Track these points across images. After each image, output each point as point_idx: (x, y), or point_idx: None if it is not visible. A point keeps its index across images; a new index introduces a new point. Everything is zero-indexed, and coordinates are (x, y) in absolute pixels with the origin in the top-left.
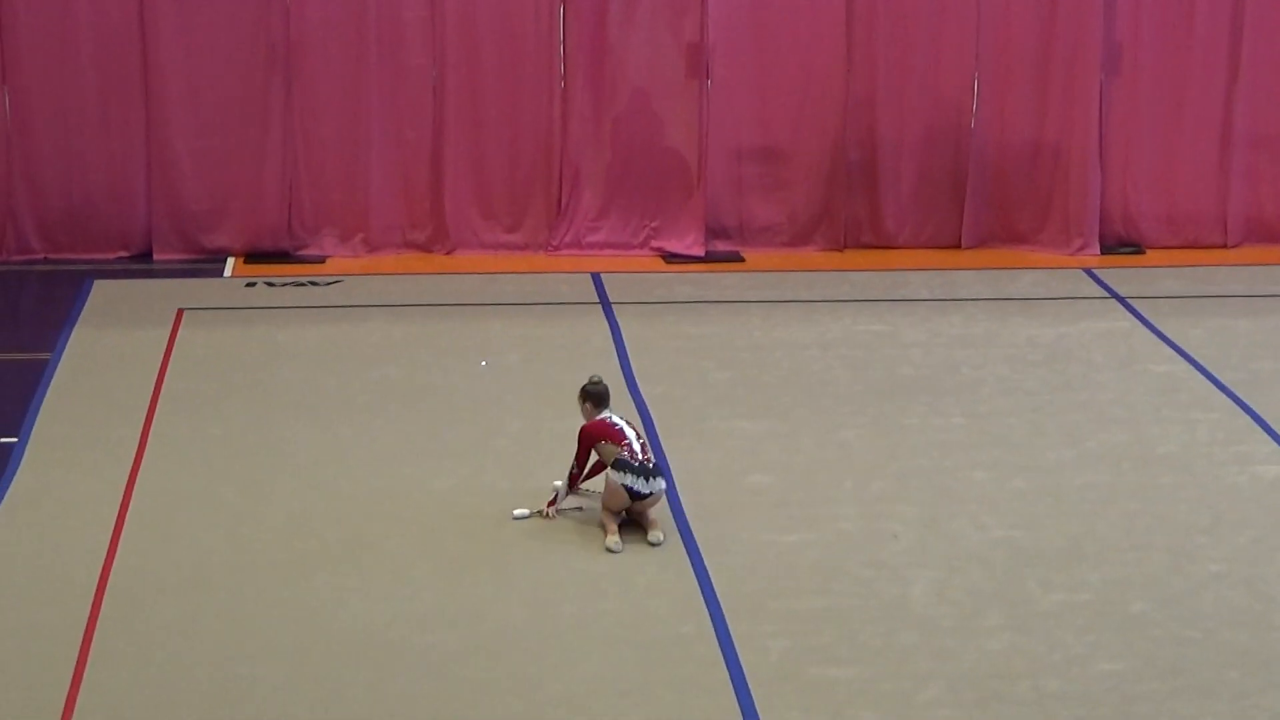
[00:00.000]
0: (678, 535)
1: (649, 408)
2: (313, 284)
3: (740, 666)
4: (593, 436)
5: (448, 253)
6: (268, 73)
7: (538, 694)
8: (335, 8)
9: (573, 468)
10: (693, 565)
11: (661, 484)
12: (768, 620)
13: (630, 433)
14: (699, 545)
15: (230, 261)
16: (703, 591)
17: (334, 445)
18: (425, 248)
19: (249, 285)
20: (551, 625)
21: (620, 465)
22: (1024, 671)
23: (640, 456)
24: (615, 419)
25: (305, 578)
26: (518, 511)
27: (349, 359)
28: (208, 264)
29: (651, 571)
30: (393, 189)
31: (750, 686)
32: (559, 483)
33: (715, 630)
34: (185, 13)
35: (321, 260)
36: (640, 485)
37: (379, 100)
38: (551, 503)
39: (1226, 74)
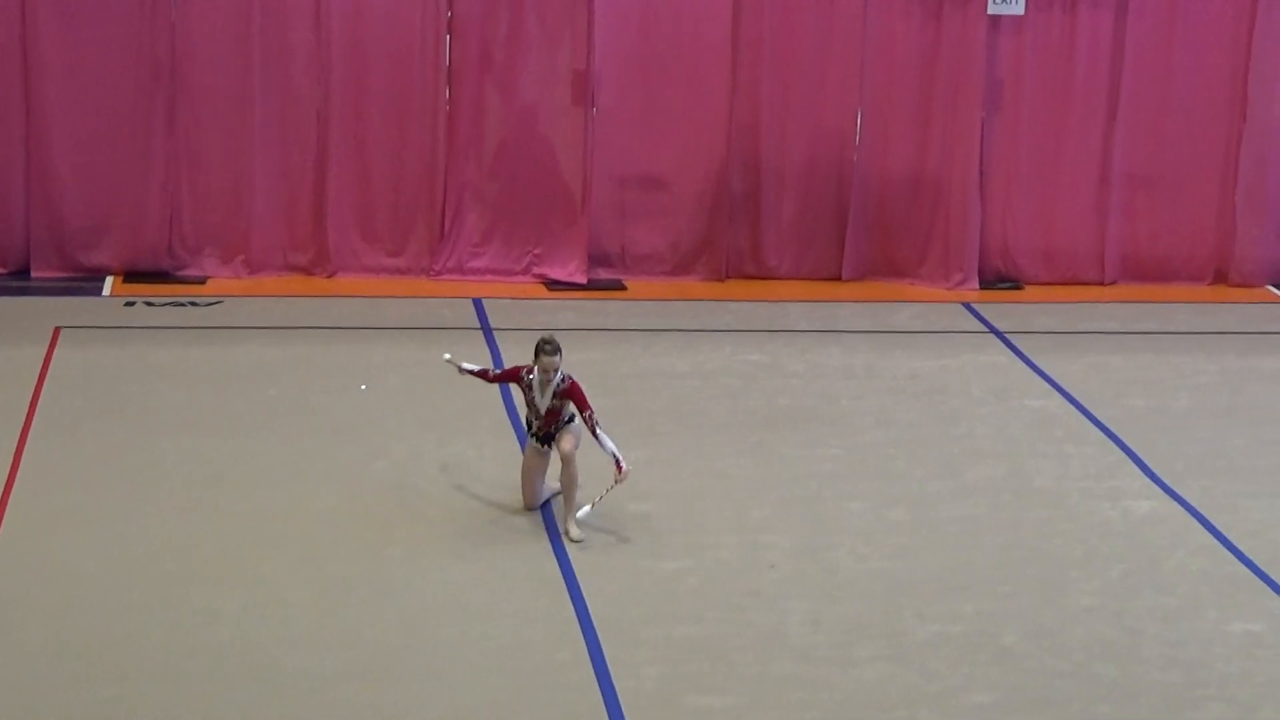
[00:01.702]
0: (555, 561)
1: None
2: (193, 304)
3: (615, 694)
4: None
5: (329, 276)
6: (151, 91)
7: (413, 718)
8: (221, 28)
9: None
10: (569, 591)
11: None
12: (643, 648)
13: (539, 399)
14: (576, 572)
15: (109, 280)
16: (579, 618)
17: (212, 466)
18: (307, 270)
19: (128, 304)
20: (428, 649)
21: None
22: (898, 702)
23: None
24: (535, 379)
25: (181, 598)
26: (461, 363)
27: (228, 380)
28: (86, 282)
29: (528, 597)
30: (275, 211)
31: (625, 714)
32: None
33: (591, 657)
34: (69, 28)
35: (202, 281)
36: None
37: (263, 121)
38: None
39: (1105, 113)
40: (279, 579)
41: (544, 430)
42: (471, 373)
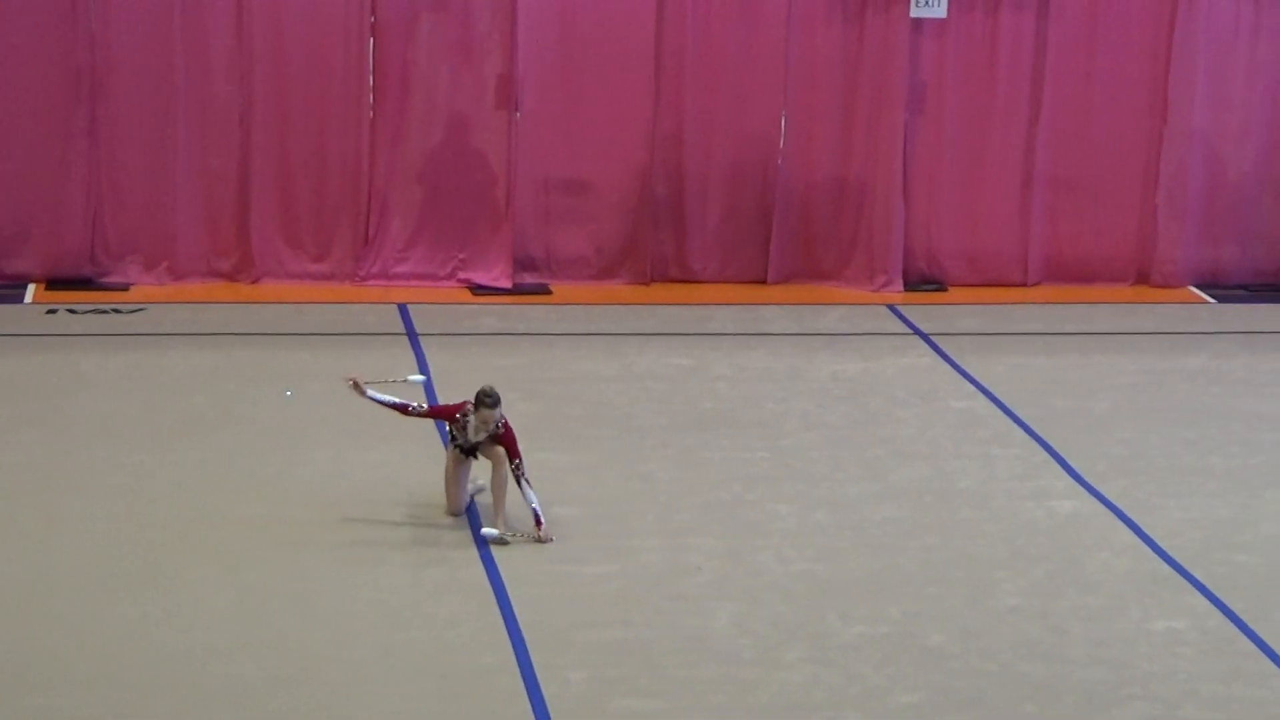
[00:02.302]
0: (481, 566)
1: None
2: (116, 312)
3: (542, 698)
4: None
5: (253, 282)
6: (73, 99)
7: None
8: (142, 33)
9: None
10: (496, 596)
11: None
12: (570, 652)
13: (471, 436)
14: (502, 576)
15: (31, 288)
16: (505, 623)
17: (136, 473)
18: (230, 276)
19: (50, 312)
20: (354, 656)
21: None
22: (824, 703)
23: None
24: (471, 419)
25: (105, 606)
26: (366, 389)
27: (152, 388)
28: (7, 290)
29: (454, 602)
30: (198, 217)
31: (552, 718)
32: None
33: (517, 662)
34: None
35: (125, 288)
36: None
37: (186, 127)
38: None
39: (1028, 116)
40: (203, 586)
41: (471, 444)
42: (382, 403)
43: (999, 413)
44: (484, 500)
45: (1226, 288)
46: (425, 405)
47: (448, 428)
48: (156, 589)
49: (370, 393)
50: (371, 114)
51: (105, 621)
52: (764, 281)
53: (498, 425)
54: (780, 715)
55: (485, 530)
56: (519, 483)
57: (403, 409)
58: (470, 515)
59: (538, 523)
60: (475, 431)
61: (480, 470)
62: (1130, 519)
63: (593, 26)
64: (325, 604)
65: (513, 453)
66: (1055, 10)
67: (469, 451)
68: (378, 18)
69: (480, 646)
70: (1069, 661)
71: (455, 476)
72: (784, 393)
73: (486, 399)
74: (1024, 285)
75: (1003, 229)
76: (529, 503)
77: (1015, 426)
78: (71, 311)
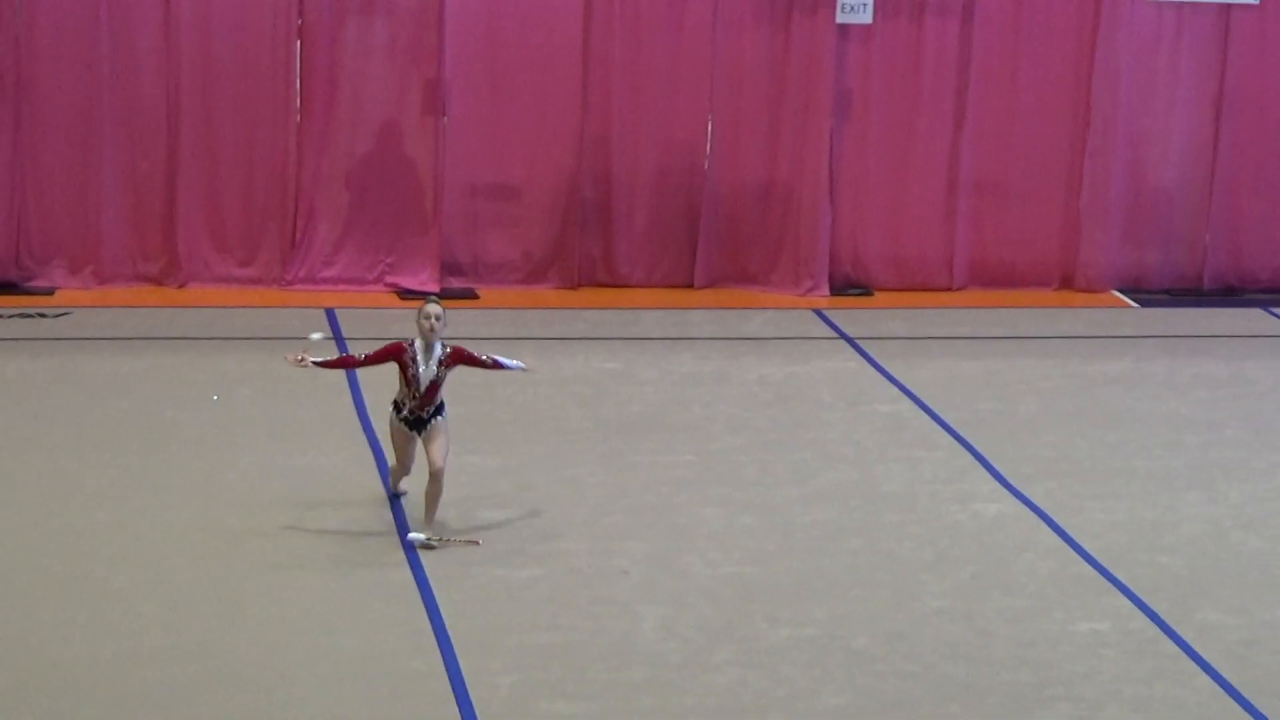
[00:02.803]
0: (409, 571)
1: (381, 444)
2: (41, 316)
3: (470, 702)
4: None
5: (180, 286)
6: None
7: None
8: (67, 36)
9: (364, 354)
10: (424, 600)
11: (428, 429)
12: (498, 656)
13: (422, 369)
14: (430, 581)
15: None
16: (433, 627)
17: (61, 479)
18: (157, 280)
19: None
20: (282, 661)
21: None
22: (750, 706)
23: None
24: (418, 350)
25: (29, 612)
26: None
27: (78, 392)
28: None
29: (382, 607)
30: (124, 220)
31: None
32: (317, 335)
33: (445, 666)
34: None
35: (50, 292)
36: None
37: (111, 130)
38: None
39: (953, 121)
40: (129, 592)
41: (416, 413)
42: (330, 363)
43: (925, 416)
44: (412, 504)
45: (1149, 292)
46: (369, 352)
47: (395, 399)
48: (82, 595)
49: (314, 360)
50: (299, 118)
51: (30, 629)
52: (691, 286)
53: (445, 347)
54: (708, 718)
55: (412, 535)
56: (499, 365)
57: (352, 362)
58: (397, 519)
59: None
60: (425, 358)
61: (412, 483)
62: (1054, 521)
63: (520, 31)
64: (253, 609)
65: (474, 360)
66: (980, 16)
67: (415, 426)
68: (305, 21)
69: (408, 651)
70: (993, 663)
71: (404, 441)
72: (711, 396)
73: (429, 298)
74: (949, 290)
75: (928, 234)
76: (511, 367)
77: (941, 430)
78: None
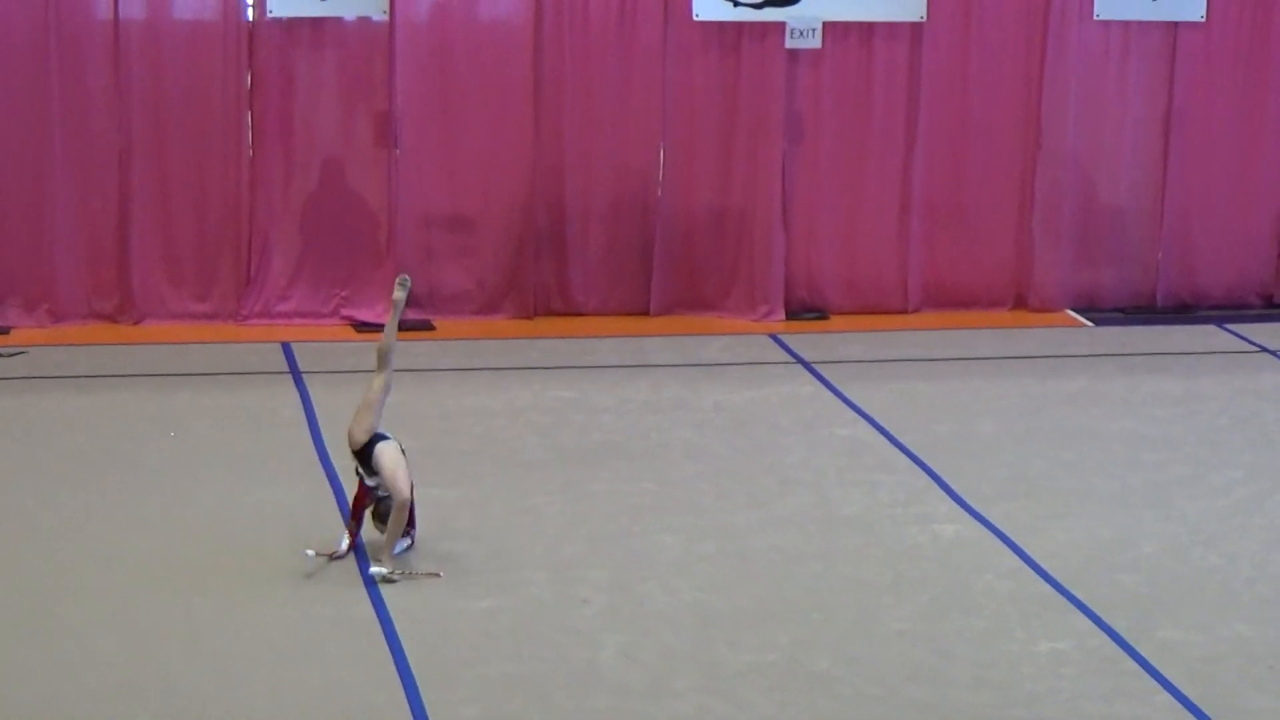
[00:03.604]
0: (370, 604)
1: (340, 478)
2: None
3: None
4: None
5: (135, 323)
6: None
7: None
8: (16, 73)
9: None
10: (385, 633)
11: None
12: (460, 687)
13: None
14: (390, 613)
15: None
16: (395, 660)
17: (17, 517)
18: (112, 318)
19: None
20: (243, 696)
21: None
22: None
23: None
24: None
25: None
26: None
27: (33, 431)
28: None
29: (343, 640)
30: (78, 258)
31: None
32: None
33: (408, 699)
34: None
35: (5, 331)
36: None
37: (63, 168)
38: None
39: (904, 143)
40: (87, 630)
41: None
42: (356, 526)
43: (882, 439)
44: (371, 538)
45: (1103, 310)
46: (353, 522)
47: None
48: (39, 634)
49: (343, 548)
50: (251, 152)
51: None
52: (647, 313)
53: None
54: None
55: (373, 569)
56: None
57: (358, 520)
58: (358, 554)
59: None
60: (368, 470)
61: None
62: (1013, 542)
63: (470, 62)
64: (213, 644)
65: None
66: (928, 38)
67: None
68: (255, 56)
69: (370, 684)
70: (954, 684)
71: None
72: (669, 423)
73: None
74: (905, 312)
75: (882, 256)
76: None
77: (898, 452)
78: None
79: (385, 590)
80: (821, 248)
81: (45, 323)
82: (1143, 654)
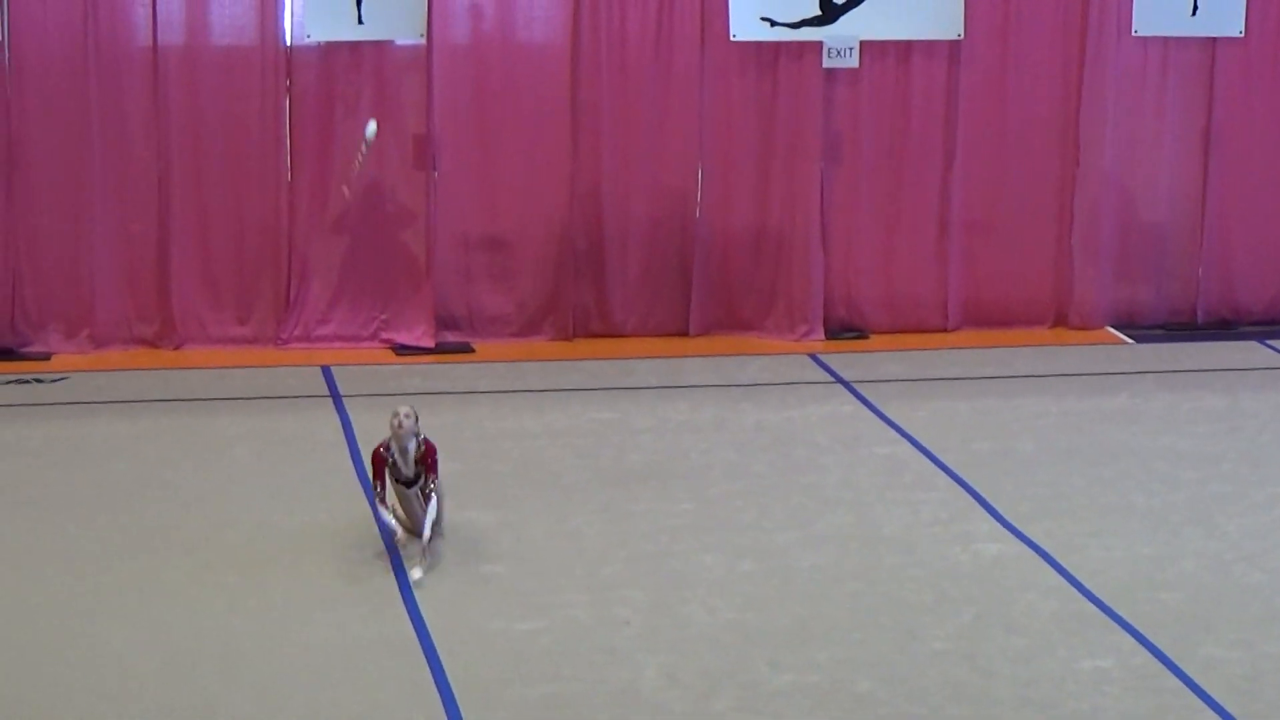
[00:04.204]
0: (410, 624)
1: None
2: (37, 381)
3: None
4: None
5: (175, 347)
6: None
7: None
8: (58, 102)
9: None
10: (425, 654)
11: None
12: (500, 709)
13: (404, 470)
14: (431, 635)
15: None
16: (435, 681)
17: (58, 542)
18: (152, 343)
19: None
20: (282, 718)
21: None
22: None
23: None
24: (395, 453)
25: (24, 675)
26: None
27: (75, 456)
28: None
29: (382, 662)
30: (119, 283)
31: None
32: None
33: (447, 719)
34: None
35: (46, 357)
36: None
37: (103, 194)
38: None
39: (942, 162)
40: (128, 653)
41: (408, 480)
42: (383, 519)
43: (922, 458)
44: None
45: (1144, 328)
46: (376, 486)
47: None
48: (80, 658)
49: (385, 519)
50: (289, 176)
51: (28, 692)
52: (686, 333)
53: (420, 445)
54: None
55: (413, 575)
56: (427, 498)
57: (382, 500)
58: (399, 575)
59: (421, 533)
60: (404, 459)
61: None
62: (1055, 560)
63: (508, 84)
64: (253, 666)
65: (430, 469)
66: (966, 56)
67: (410, 484)
68: (293, 80)
69: (410, 705)
70: (997, 703)
71: (409, 507)
72: (708, 444)
73: (395, 415)
74: (944, 330)
75: (921, 275)
76: (428, 514)
77: (939, 471)
78: None
79: (425, 611)
80: (860, 267)
81: (86, 348)
82: (1186, 672)
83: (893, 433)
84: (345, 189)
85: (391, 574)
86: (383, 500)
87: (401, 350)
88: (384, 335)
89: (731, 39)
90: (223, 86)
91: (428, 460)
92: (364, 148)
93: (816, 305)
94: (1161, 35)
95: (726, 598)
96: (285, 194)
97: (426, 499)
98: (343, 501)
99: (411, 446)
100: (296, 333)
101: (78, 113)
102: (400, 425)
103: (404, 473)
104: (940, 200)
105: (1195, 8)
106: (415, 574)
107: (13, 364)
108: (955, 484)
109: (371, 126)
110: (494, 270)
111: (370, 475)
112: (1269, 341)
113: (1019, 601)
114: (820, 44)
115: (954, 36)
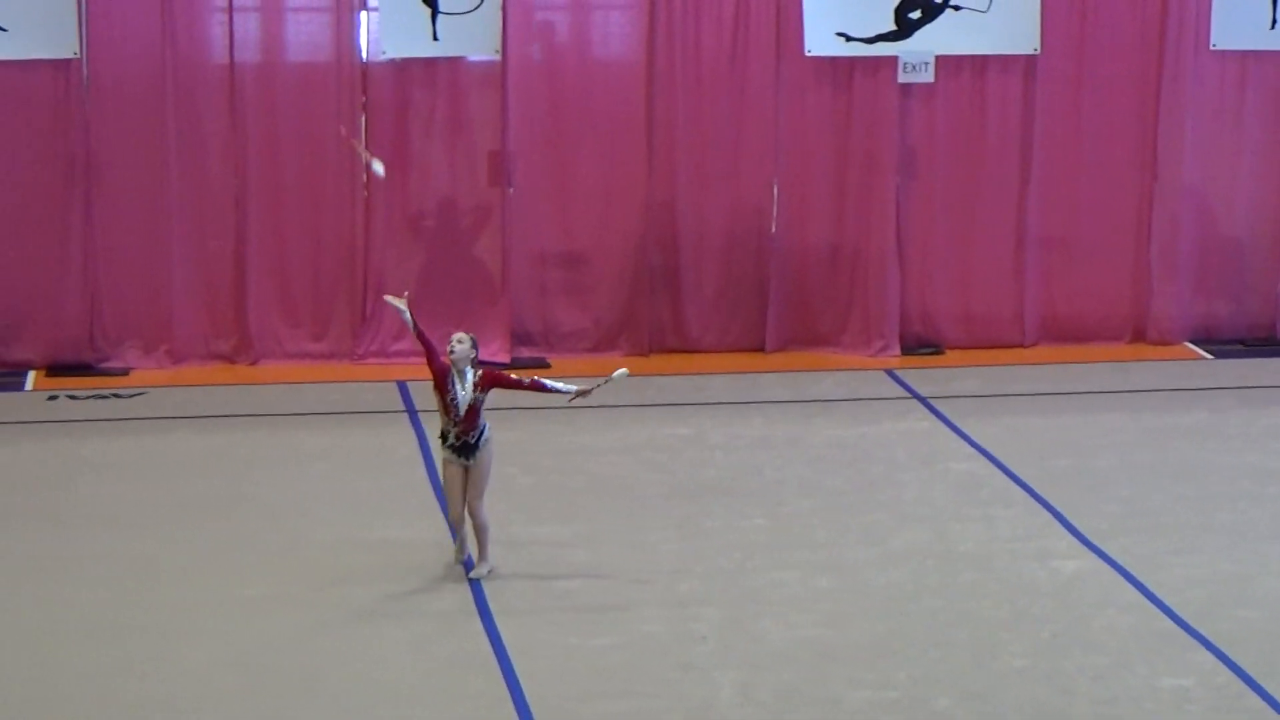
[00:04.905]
0: (487, 640)
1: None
2: (116, 396)
3: None
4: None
5: (252, 363)
6: (67, 185)
7: None
8: (135, 120)
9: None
10: (501, 670)
11: (476, 458)
12: None
13: (460, 396)
14: (508, 649)
15: (31, 375)
16: (512, 696)
17: (137, 557)
18: (230, 358)
19: (51, 399)
20: None
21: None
22: None
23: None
24: (454, 374)
25: (108, 691)
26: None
27: (153, 472)
28: (8, 377)
29: (460, 677)
30: (196, 300)
31: None
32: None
33: None
34: None
35: (125, 372)
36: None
37: (181, 211)
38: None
39: (1018, 177)
40: (208, 669)
41: (462, 438)
42: (413, 319)
43: (999, 474)
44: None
45: (1222, 342)
46: (431, 343)
47: (440, 430)
48: (161, 673)
49: (404, 306)
50: (366, 193)
51: (109, 706)
52: (762, 349)
53: (477, 374)
54: None
55: (473, 573)
56: (544, 388)
57: (417, 332)
58: (475, 589)
59: (580, 393)
60: (461, 382)
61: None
62: (1134, 577)
63: (583, 100)
64: (331, 682)
65: (509, 381)
66: (1042, 70)
67: (463, 453)
68: (369, 96)
69: None
70: None
71: (454, 482)
72: (783, 460)
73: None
74: (1021, 346)
75: (998, 290)
76: (565, 392)
77: (1016, 487)
78: (72, 398)
79: (502, 628)
80: (936, 282)
81: (164, 364)
82: (1269, 690)
83: (969, 449)
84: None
85: (468, 589)
86: (420, 336)
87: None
88: None
89: (806, 54)
90: (298, 104)
91: (498, 380)
92: (364, 156)
93: (892, 321)
94: (1240, 49)
95: (803, 614)
96: (361, 210)
97: (544, 388)
98: (419, 516)
99: (469, 374)
100: (372, 348)
101: (155, 131)
102: (453, 351)
103: (458, 398)
104: (1016, 215)
105: (1275, 21)
106: (479, 572)
107: (92, 379)
108: (1032, 500)
109: (378, 166)
110: (569, 285)
111: (430, 349)
112: None
113: (1098, 619)
114: (895, 59)
115: (1030, 51)
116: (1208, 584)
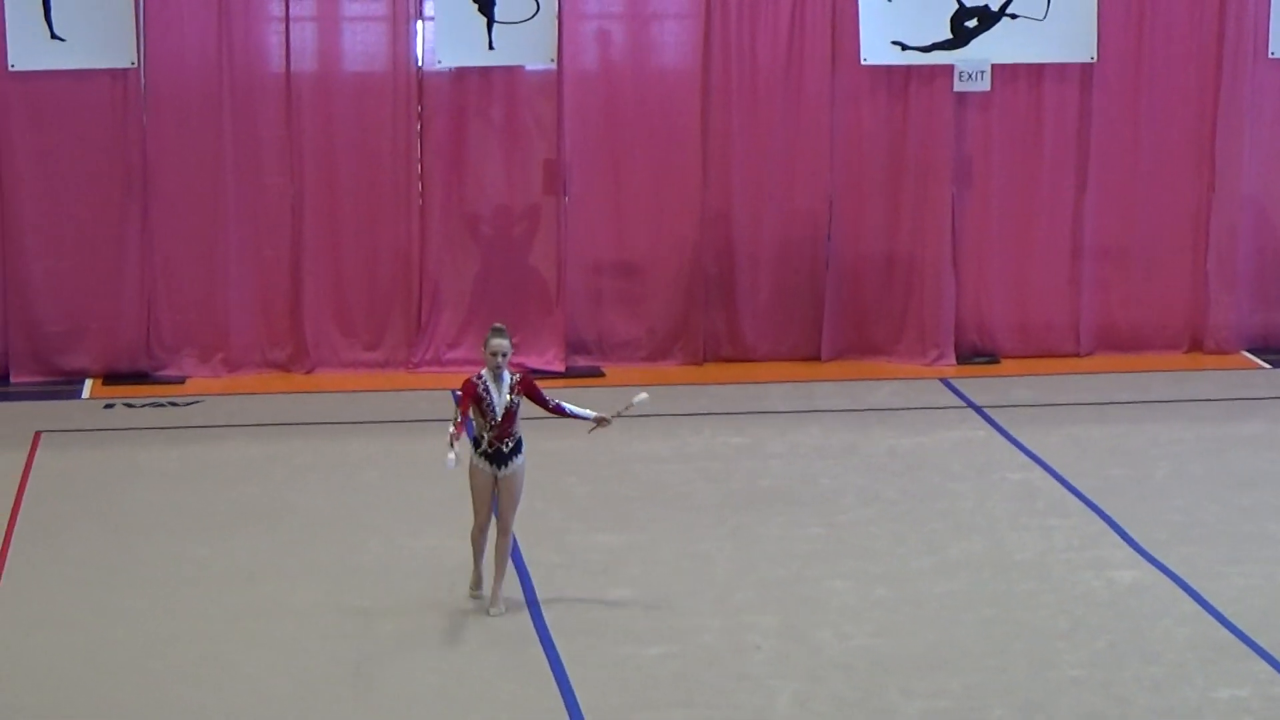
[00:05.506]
0: (540, 648)
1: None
2: (172, 404)
3: None
4: (463, 394)
5: (307, 372)
6: (124, 194)
7: None
8: (192, 129)
9: (458, 415)
10: (555, 678)
11: (509, 469)
12: None
13: (496, 398)
14: (562, 658)
15: (88, 383)
16: (566, 705)
17: (193, 565)
18: (285, 367)
19: (108, 407)
20: None
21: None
22: None
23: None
24: (487, 380)
25: (164, 700)
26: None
27: (208, 479)
28: (65, 386)
29: (514, 686)
30: (252, 308)
31: None
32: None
33: None
34: (41, 135)
35: (181, 381)
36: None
37: (237, 219)
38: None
39: (1075, 186)
40: (261, 676)
41: (495, 445)
42: (459, 428)
43: (1055, 483)
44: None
45: None
46: (460, 409)
47: (475, 434)
48: (215, 679)
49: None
50: (421, 201)
51: (163, 714)
52: (817, 358)
53: (514, 375)
54: None
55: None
56: (563, 412)
57: (459, 427)
58: (527, 595)
59: (602, 420)
60: (496, 386)
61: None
62: (1191, 587)
63: (638, 109)
64: (384, 690)
65: (539, 396)
66: (1098, 79)
67: (496, 461)
68: (425, 106)
69: None
70: None
71: (483, 490)
72: (839, 469)
73: (493, 330)
74: (1077, 355)
75: (1054, 299)
76: (582, 415)
77: (1072, 497)
78: (129, 405)
79: (556, 636)
80: (992, 291)
81: (220, 372)
82: None
83: (1025, 458)
84: None
85: (521, 597)
86: (458, 432)
87: (532, 374)
88: (514, 359)
89: (862, 63)
90: (354, 113)
91: (531, 391)
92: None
93: (948, 330)
94: None
95: (858, 623)
96: (416, 219)
97: (563, 412)
98: (471, 525)
99: (506, 377)
100: (427, 357)
101: (211, 140)
102: (497, 364)
103: (495, 402)
104: (1072, 224)
105: None
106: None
107: (148, 387)
108: (1089, 510)
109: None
110: (624, 295)
111: (461, 407)
112: None
113: (1155, 629)
114: (951, 67)
115: (1087, 59)
116: (1265, 594)
